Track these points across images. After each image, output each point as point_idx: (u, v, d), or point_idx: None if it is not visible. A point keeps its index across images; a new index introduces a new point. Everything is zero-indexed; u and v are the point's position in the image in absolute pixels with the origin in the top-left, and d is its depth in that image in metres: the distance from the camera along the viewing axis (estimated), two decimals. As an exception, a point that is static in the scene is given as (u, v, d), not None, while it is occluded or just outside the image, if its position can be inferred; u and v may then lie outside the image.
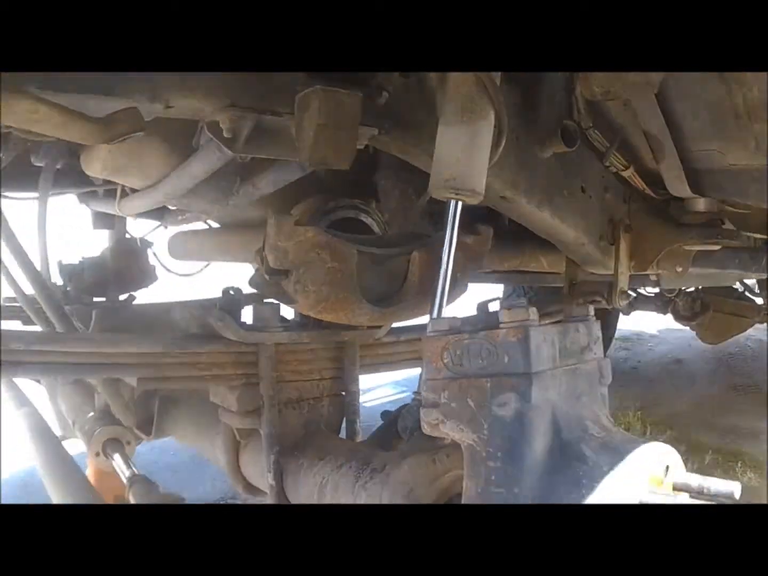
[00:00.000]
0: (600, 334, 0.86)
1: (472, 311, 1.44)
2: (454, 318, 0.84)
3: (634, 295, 3.66)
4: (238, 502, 2.97)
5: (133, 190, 1.67)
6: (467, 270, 1.24)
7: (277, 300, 1.18)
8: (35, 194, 2.37)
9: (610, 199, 1.59)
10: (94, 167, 1.32)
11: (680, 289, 3.52)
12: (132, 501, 1.41)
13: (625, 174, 1.52)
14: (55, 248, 2.12)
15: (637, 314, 4.31)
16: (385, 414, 1.24)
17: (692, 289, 3.55)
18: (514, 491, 0.68)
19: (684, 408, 3.80)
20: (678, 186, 1.49)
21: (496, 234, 1.86)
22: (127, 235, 2.59)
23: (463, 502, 0.72)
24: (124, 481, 1.58)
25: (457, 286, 1.21)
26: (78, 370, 1.19)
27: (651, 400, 3.85)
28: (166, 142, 1.32)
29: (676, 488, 0.75)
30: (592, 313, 0.86)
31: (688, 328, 3.88)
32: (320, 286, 1.10)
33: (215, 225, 2.25)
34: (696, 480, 0.75)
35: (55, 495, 1.44)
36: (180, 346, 1.14)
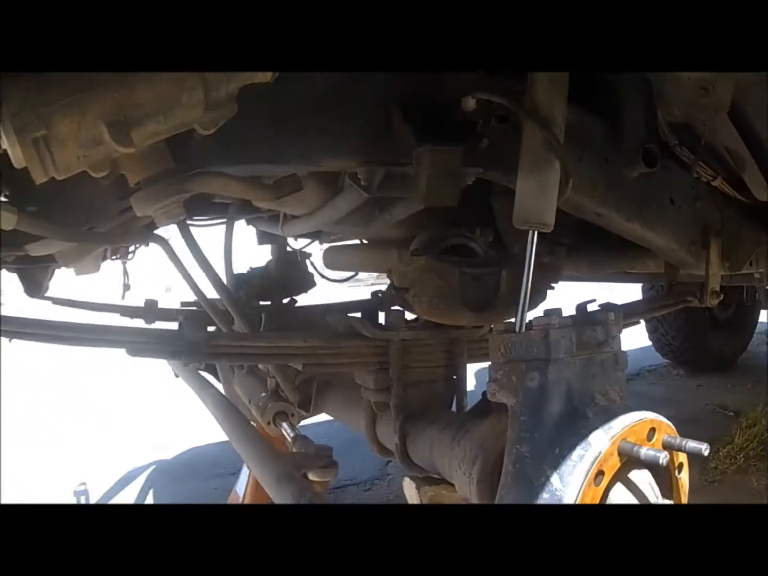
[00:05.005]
0: (618, 334, 1.19)
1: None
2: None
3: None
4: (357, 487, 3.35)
5: (293, 215, 2.16)
6: (546, 283, 1.59)
7: (402, 307, 1.61)
8: (215, 219, 2.95)
9: (702, 207, 1.76)
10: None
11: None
12: (294, 450, 1.90)
13: (715, 183, 1.70)
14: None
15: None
16: (484, 393, 1.62)
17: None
18: (534, 436, 1.06)
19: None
20: (761, 192, 1.67)
21: (604, 242, 2.12)
22: (288, 248, 3.13)
23: (506, 444, 1.11)
24: (289, 440, 2.09)
25: (537, 295, 1.56)
26: (262, 358, 1.71)
27: (788, 397, 3.85)
28: (318, 180, 1.76)
29: (665, 446, 1.08)
30: (611, 318, 1.20)
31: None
32: (431, 299, 1.51)
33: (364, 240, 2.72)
34: (676, 440, 1.08)
35: (245, 455, 1.95)
36: (333, 342, 1.60)
